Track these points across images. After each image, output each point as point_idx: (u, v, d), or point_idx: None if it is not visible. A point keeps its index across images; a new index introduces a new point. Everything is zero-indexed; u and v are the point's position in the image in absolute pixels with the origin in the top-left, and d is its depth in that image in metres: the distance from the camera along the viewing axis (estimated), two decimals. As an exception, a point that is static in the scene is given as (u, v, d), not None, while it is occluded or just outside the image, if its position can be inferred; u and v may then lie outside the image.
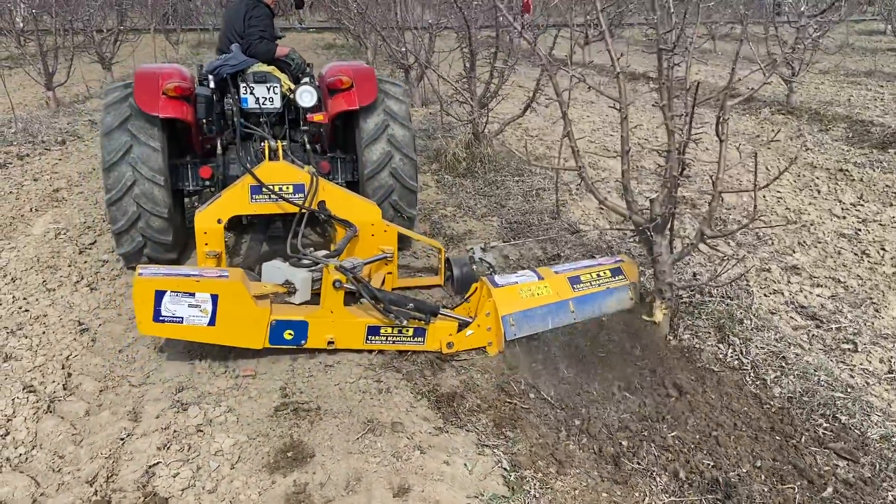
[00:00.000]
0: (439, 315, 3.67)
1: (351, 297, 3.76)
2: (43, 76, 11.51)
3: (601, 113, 11.51)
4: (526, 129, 9.90)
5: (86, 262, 5.25)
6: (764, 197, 6.67)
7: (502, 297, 3.69)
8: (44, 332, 4.16)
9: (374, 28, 11.00)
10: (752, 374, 3.49)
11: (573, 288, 3.82)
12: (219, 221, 4.13)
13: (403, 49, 11.28)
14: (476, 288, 3.93)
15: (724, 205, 6.38)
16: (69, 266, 5.18)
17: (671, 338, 3.76)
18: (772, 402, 3.28)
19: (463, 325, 3.73)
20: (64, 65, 12.30)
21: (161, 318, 3.42)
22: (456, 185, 7.19)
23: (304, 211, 4.17)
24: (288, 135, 5.21)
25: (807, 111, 10.84)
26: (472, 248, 4.68)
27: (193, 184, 5.06)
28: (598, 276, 3.92)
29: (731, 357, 3.63)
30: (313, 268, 3.86)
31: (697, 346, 3.71)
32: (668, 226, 3.63)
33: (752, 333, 3.81)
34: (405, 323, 3.57)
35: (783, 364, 3.56)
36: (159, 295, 3.38)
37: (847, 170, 7.54)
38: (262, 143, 4.66)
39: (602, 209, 6.21)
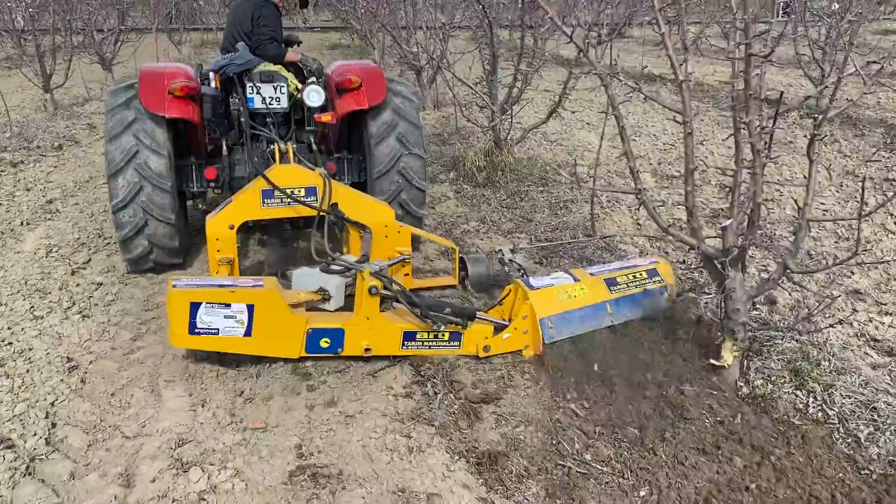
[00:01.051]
0: (475, 319, 3.62)
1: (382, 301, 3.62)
2: (40, 78, 11.05)
3: (624, 117, 11.02)
4: (544, 133, 9.41)
5: (78, 284, 4.79)
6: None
7: (539, 299, 3.61)
8: (27, 371, 3.69)
9: (384, 28, 10.52)
10: (841, 430, 3.01)
11: (610, 290, 3.76)
12: (231, 227, 4.04)
13: (415, 49, 10.83)
14: (509, 290, 3.84)
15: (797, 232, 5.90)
16: (60, 289, 4.72)
17: (741, 383, 3.28)
18: (870, 468, 2.81)
19: (499, 328, 3.67)
20: (63, 66, 11.85)
21: (197, 331, 3.34)
22: (477, 196, 6.72)
23: (322, 214, 4.08)
24: (294, 135, 5.11)
25: (838, 115, 10.35)
26: (500, 250, 4.50)
27: (198, 185, 4.97)
28: (635, 277, 3.86)
29: (814, 407, 3.15)
30: (346, 273, 3.80)
31: (772, 393, 3.23)
32: (744, 259, 3.15)
33: (833, 378, 3.33)
34: (442, 328, 3.50)
35: (875, 417, 3.08)
36: (194, 307, 3.31)
37: (894, 179, 7.06)
38: (271, 145, 4.58)
39: (640, 224, 5.73)
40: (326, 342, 3.49)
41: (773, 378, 3.32)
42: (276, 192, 4.09)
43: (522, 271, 4.31)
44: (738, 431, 2.98)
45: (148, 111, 4.51)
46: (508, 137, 6.92)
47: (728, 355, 3.21)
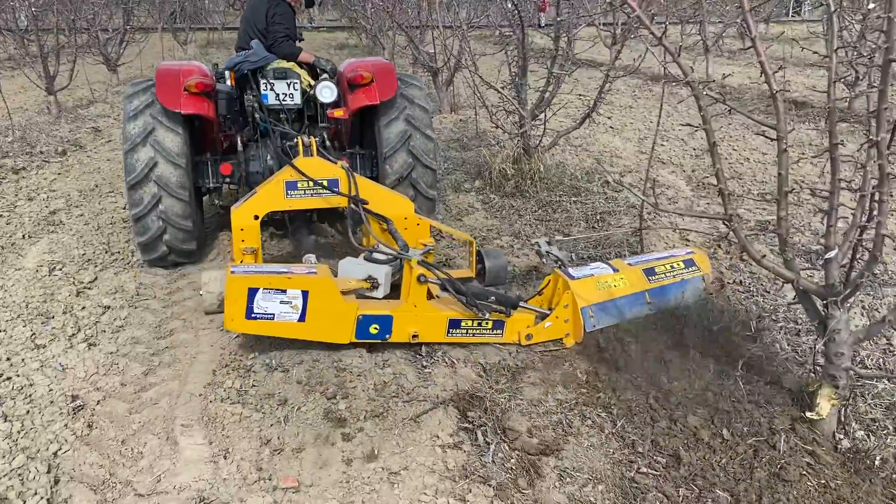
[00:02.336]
0: (518, 307, 3.70)
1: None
2: (43, 79, 10.68)
3: (644, 119, 10.63)
4: (567, 138, 9.00)
5: (84, 307, 4.40)
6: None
7: (580, 288, 3.68)
8: (27, 413, 3.31)
9: (400, 28, 10.13)
10: (962, 494, 2.61)
11: (648, 279, 3.82)
12: (255, 217, 4.13)
13: (432, 51, 10.43)
14: (549, 280, 3.92)
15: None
16: (64, 313, 4.34)
17: (840, 436, 2.88)
18: None
19: (541, 318, 3.73)
20: (66, 66, 11.48)
21: (253, 315, 3.44)
22: (506, 207, 6.32)
23: (353, 205, 4.19)
24: (308, 131, 5.19)
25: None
26: (537, 242, 4.55)
27: (214, 180, 5.07)
28: (673, 267, 3.91)
29: (926, 465, 2.75)
30: (392, 262, 3.92)
31: (877, 449, 2.83)
32: (853, 297, 2.74)
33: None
34: (487, 315, 3.58)
35: None
36: (252, 293, 3.41)
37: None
38: (293, 140, 4.71)
39: (688, 240, 5.33)
40: (376, 328, 3.57)
41: (875, 430, 2.92)
42: (300, 184, 4.19)
43: (560, 262, 4.34)
44: (847, 498, 2.58)
45: (164, 108, 4.59)
46: (540, 143, 6.50)
47: (825, 404, 2.81)
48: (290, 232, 5.13)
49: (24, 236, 5.74)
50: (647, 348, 3.53)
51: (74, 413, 3.30)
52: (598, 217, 5.91)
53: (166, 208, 4.61)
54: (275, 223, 5.45)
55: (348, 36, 23.08)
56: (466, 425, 3.11)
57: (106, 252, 5.36)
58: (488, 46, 10.19)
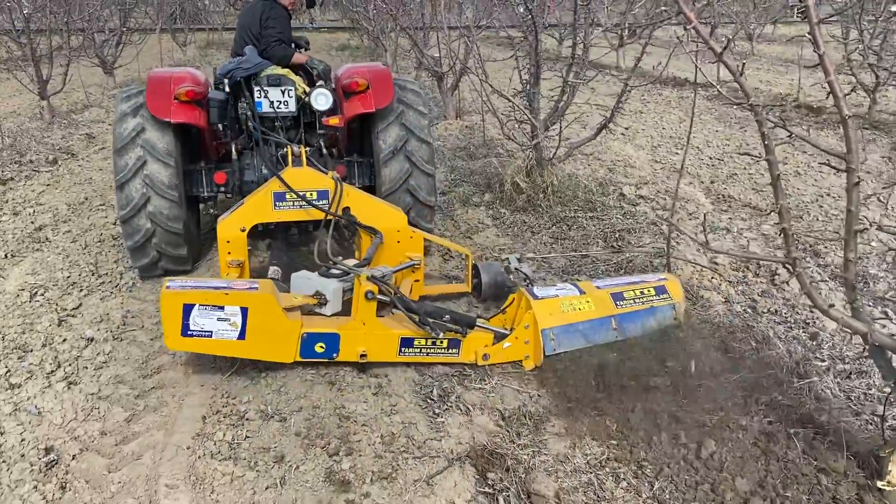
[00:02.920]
0: (475, 327, 3.57)
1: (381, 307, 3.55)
2: (36, 83, 10.33)
3: (656, 125, 10.27)
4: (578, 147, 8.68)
5: (65, 339, 4.06)
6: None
7: (542, 309, 3.55)
8: (-5, 470, 2.97)
9: (403, 30, 9.77)
10: None
11: (616, 304, 3.68)
12: (242, 230, 4.02)
13: (437, 54, 10.07)
14: (513, 299, 3.79)
15: None
16: (44, 346, 3.99)
17: (914, 509, 2.53)
18: None
19: (499, 337, 3.62)
20: (61, 69, 11.13)
21: (189, 333, 3.32)
22: (517, 223, 5.97)
23: (330, 218, 4.07)
24: (303, 139, 5.07)
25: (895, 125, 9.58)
26: (507, 259, 4.48)
27: (208, 189, 4.94)
28: (642, 293, 3.76)
29: None
30: (344, 278, 3.75)
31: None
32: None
33: None
34: (440, 335, 3.44)
35: None
36: (187, 309, 3.28)
37: None
38: (284, 148, 4.57)
39: (717, 262, 4.96)
40: (322, 347, 3.45)
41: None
42: (288, 195, 4.06)
43: (528, 281, 4.23)
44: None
45: (154, 117, 4.47)
46: (555, 155, 6.15)
47: (899, 472, 2.46)
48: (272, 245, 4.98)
49: (6, 255, 5.40)
50: (683, 395, 3.18)
51: (47, 470, 2.95)
52: (616, 235, 5.55)
53: (155, 209, 4.48)
54: (269, 234, 5.22)
55: (350, 37, 22.72)
56: (486, 489, 2.77)
57: (92, 274, 5.01)
58: (494, 49, 9.82)
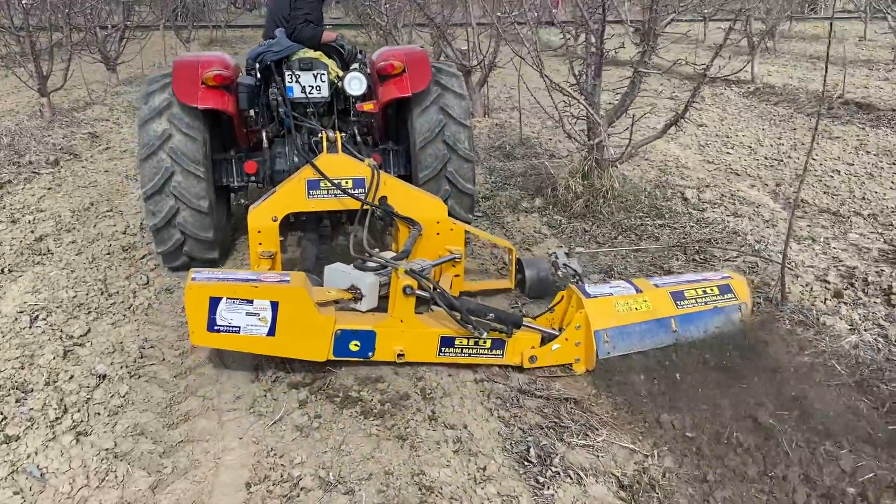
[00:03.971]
0: (522, 326, 3.33)
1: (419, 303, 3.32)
2: (36, 79, 9.67)
3: (695, 121, 9.60)
4: (620, 146, 8.03)
5: (72, 377, 3.40)
6: None
7: (595, 309, 3.31)
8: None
9: (433, 23, 9.12)
10: None
11: (676, 304, 3.42)
12: (273, 219, 3.78)
13: (464, 48, 9.43)
14: (562, 297, 3.54)
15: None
16: (47, 385, 3.34)
17: None
18: None
19: (547, 338, 3.37)
20: (61, 65, 10.47)
21: (216, 328, 3.13)
22: (578, 231, 5.31)
23: (367, 208, 3.81)
24: (336, 126, 4.81)
25: None
26: (554, 253, 4.21)
27: (238, 179, 4.74)
28: (705, 292, 3.51)
29: None
30: (381, 271, 3.49)
31: None
32: None
33: None
34: (484, 334, 3.20)
35: None
36: (214, 302, 3.10)
37: None
38: (318, 135, 4.36)
39: (827, 280, 4.29)
40: (356, 345, 3.26)
41: None
42: (322, 183, 3.85)
43: (577, 277, 4.00)
44: None
45: (181, 102, 4.28)
46: (624, 154, 5.48)
47: None
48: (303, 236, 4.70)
49: (3, 270, 4.74)
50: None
51: (53, 562, 2.30)
52: (695, 247, 4.89)
53: (179, 184, 4.28)
54: (300, 226, 4.95)
55: (356, 34, 22.07)
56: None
57: (102, 293, 4.36)
58: (511, 45, 9.17)
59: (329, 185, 3.83)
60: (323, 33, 4.98)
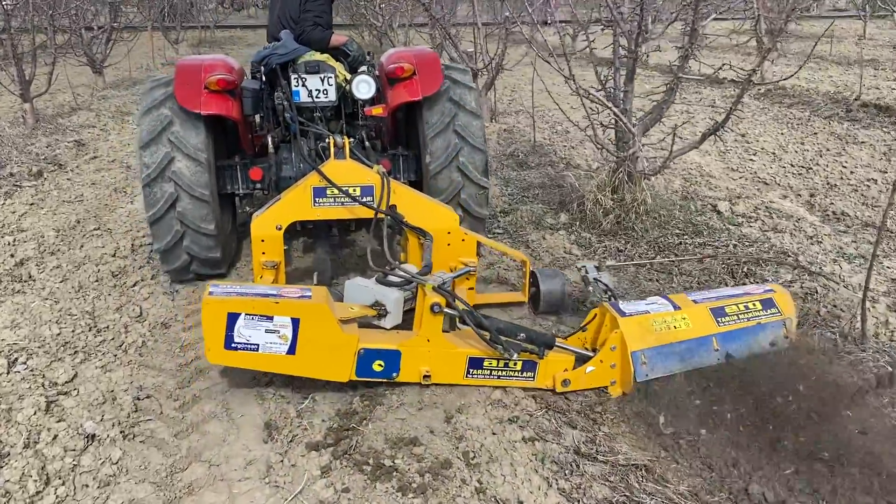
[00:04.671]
0: (554, 347, 3.17)
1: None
2: (17, 84, 9.14)
3: (706, 125, 9.17)
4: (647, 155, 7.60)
5: (55, 437, 2.93)
6: None
7: (631, 328, 3.13)
8: None
9: (438, 23, 8.67)
10: None
11: (717, 321, 3.23)
12: (278, 228, 3.66)
13: (470, 50, 8.99)
14: (595, 315, 3.37)
15: None
16: (26, 447, 2.87)
17: None
18: None
19: (581, 360, 3.22)
20: (45, 69, 9.94)
21: (234, 346, 2.97)
22: (611, 251, 4.88)
23: (380, 217, 3.65)
24: (344, 131, 4.66)
25: None
26: (583, 266, 3.93)
27: (243, 186, 4.60)
28: (747, 307, 3.31)
29: None
30: (405, 286, 3.39)
31: None
32: None
33: None
34: (515, 355, 3.06)
35: None
36: (232, 318, 2.94)
37: None
38: (326, 140, 4.16)
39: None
40: (380, 365, 3.13)
41: None
42: (329, 191, 3.69)
43: (609, 293, 3.73)
44: None
45: (183, 108, 4.13)
46: (664, 165, 5.06)
47: None
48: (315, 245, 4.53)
49: (-22, 301, 4.26)
50: None
51: None
52: (743, 270, 4.46)
53: (184, 209, 4.13)
54: (307, 234, 4.85)
55: (347, 34, 21.55)
56: None
57: (90, 329, 3.89)
58: (509, 45, 8.73)
59: (336, 192, 3.67)
60: (332, 37, 4.82)
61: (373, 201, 3.67)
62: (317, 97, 4.43)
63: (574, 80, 4.91)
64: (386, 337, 3.23)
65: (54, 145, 8.29)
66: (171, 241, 4.18)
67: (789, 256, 4.64)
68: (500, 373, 3.17)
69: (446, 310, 3.07)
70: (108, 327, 3.93)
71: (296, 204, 3.72)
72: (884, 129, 8.60)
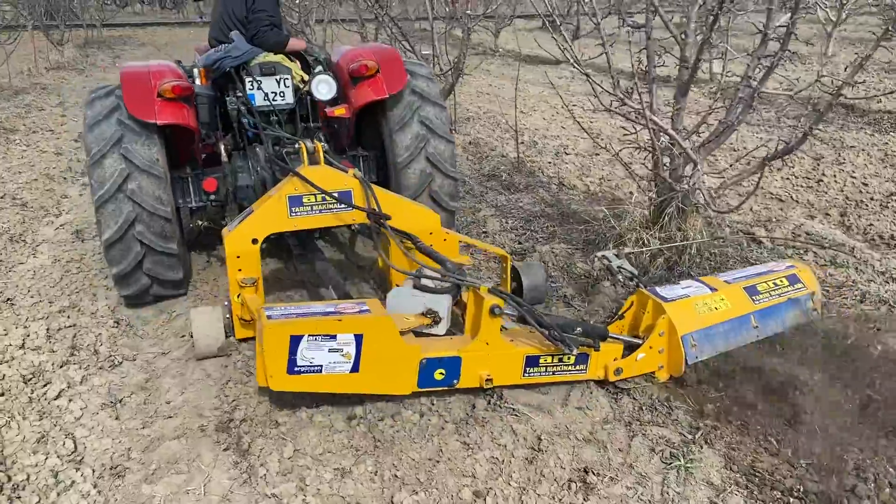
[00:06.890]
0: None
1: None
2: None
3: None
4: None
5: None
6: None
7: (678, 312, 3.17)
8: None
9: (392, 21, 7.55)
10: None
11: (752, 300, 3.33)
12: (254, 241, 3.48)
13: (427, 52, 7.95)
14: (632, 302, 3.40)
15: None
16: None
17: None
18: None
19: (630, 348, 3.23)
20: None
21: (297, 370, 2.84)
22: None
23: (381, 221, 3.56)
24: (303, 133, 4.60)
25: None
26: (603, 256, 3.84)
27: (196, 199, 4.37)
28: (776, 284, 3.44)
29: None
30: (447, 290, 3.29)
31: None
32: None
33: None
34: (574, 350, 3.05)
35: None
36: (295, 341, 2.81)
37: None
38: (296, 145, 4.12)
39: None
40: (441, 374, 3.06)
41: None
42: (306, 199, 3.54)
43: (635, 279, 3.71)
44: None
45: (135, 119, 3.89)
46: (737, 208, 4.19)
47: None
48: (295, 257, 4.35)
49: None
50: None
51: None
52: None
53: (144, 229, 3.92)
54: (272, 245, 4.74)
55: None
56: None
57: (36, 377, 2.61)
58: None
59: (313, 199, 3.55)
60: (289, 40, 4.61)
61: (353, 206, 3.58)
62: (273, 100, 4.34)
63: (617, 92, 3.96)
64: (444, 344, 3.16)
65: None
66: (130, 264, 3.90)
67: (846, 288, 3.91)
68: (555, 368, 3.18)
69: (506, 311, 3.01)
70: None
71: (271, 215, 3.55)
72: (867, 132, 8.18)
